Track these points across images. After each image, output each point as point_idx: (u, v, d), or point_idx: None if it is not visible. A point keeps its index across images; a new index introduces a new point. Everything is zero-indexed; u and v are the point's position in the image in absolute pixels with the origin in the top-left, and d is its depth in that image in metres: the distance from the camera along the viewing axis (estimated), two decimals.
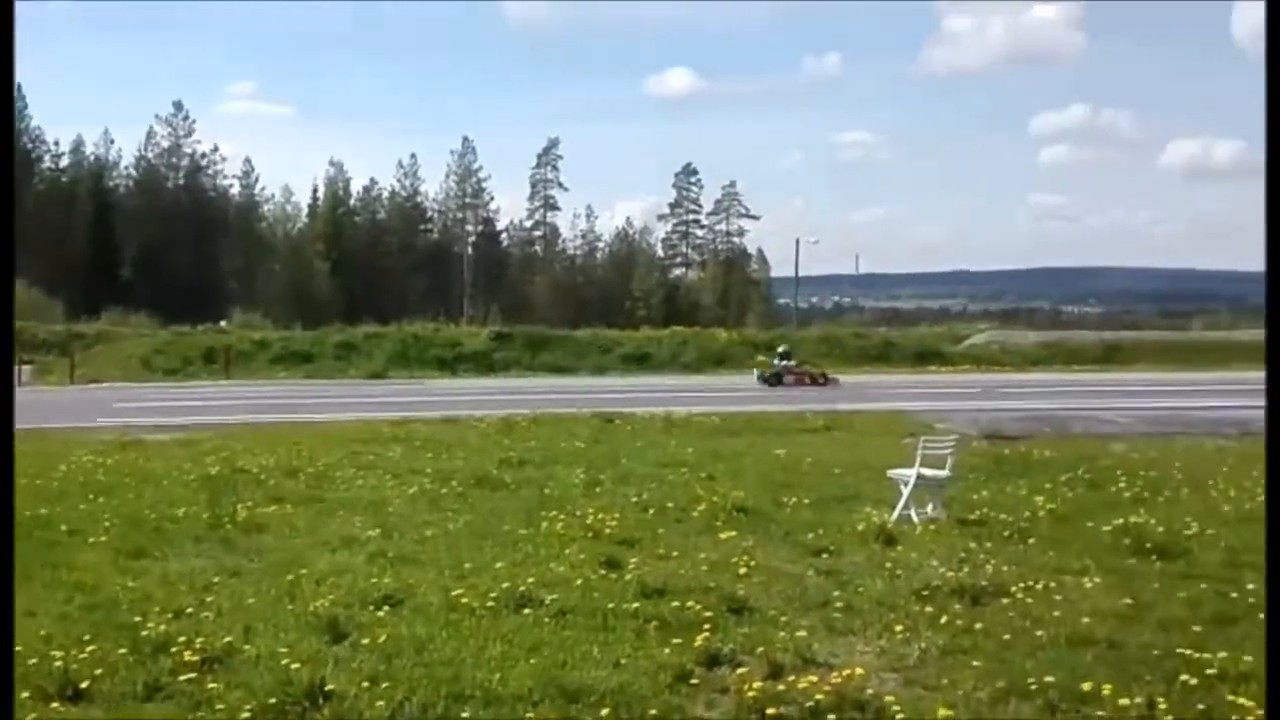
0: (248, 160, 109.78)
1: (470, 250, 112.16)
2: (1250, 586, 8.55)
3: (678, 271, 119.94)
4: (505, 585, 8.70)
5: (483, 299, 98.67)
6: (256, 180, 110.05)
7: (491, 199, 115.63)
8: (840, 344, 48.56)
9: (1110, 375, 39.09)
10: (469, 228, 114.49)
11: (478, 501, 13.15)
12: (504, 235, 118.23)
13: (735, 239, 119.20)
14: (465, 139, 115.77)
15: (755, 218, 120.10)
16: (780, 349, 37.99)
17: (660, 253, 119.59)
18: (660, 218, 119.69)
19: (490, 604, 8.30)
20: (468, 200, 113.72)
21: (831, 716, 6.02)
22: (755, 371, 36.52)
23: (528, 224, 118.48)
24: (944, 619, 7.83)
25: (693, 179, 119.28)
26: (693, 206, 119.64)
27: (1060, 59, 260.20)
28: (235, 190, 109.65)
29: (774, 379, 34.75)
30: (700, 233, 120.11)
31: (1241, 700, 5.96)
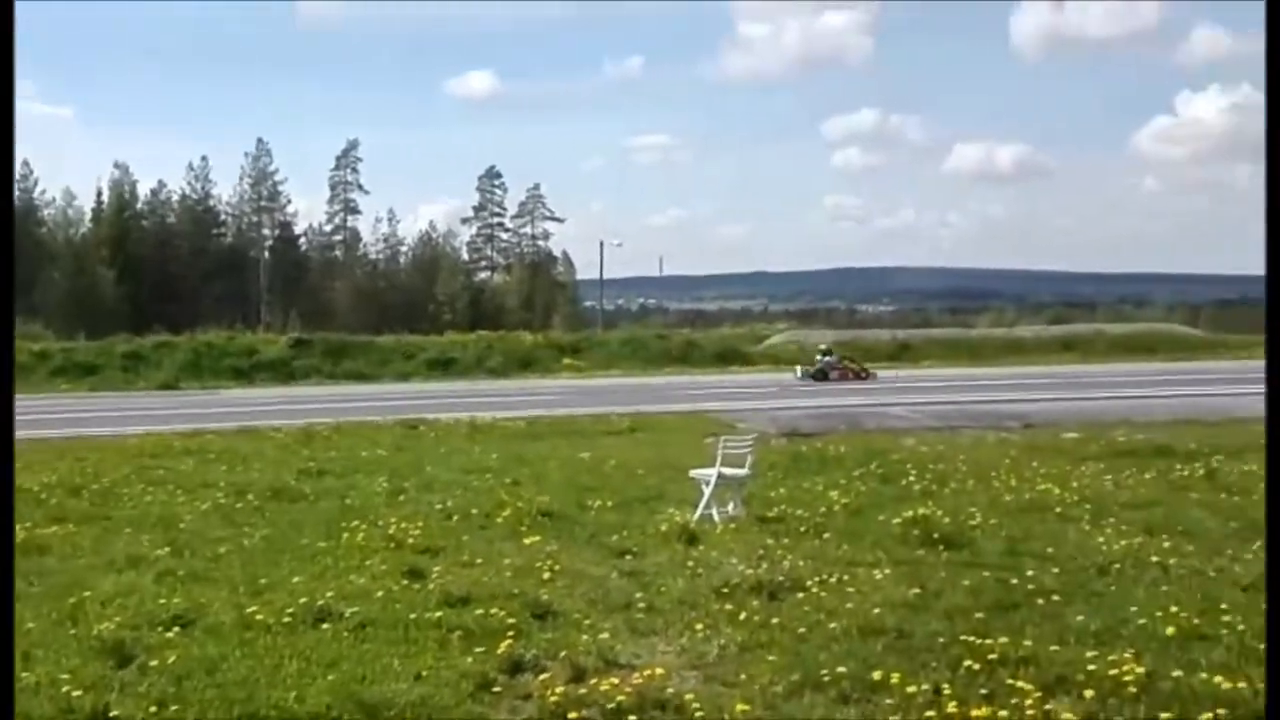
0: (26, 163, 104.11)
1: (267, 255, 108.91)
2: (1029, 573, 9.00)
3: (483, 275, 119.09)
4: (303, 600, 8.49)
5: (281, 305, 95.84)
6: (36, 184, 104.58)
7: (289, 202, 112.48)
8: (644, 346, 49.08)
9: (901, 372, 40.54)
10: (265, 232, 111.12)
11: (275, 514, 12.79)
12: (303, 239, 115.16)
13: (540, 242, 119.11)
14: (259, 140, 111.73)
15: (560, 220, 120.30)
16: (822, 347, 40.76)
17: (465, 256, 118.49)
18: (464, 221, 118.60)
19: (286, 620, 8.08)
20: (263, 204, 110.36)
21: (632, 717, 6.08)
22: (797, 369, 38.44)
23: (327, 228, 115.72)
24: (743, 615, 7.99)
25: (496, 182, 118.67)
26: (497, 209, 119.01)
27: (850, 64, 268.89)
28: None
29: (820, 375, 36.88)
30: (505, 236, 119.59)
31: (1020, 683, 6.24)
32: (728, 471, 12.39)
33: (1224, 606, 7.75)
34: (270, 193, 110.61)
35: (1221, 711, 5.79)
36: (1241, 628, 7.18)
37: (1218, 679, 6.20)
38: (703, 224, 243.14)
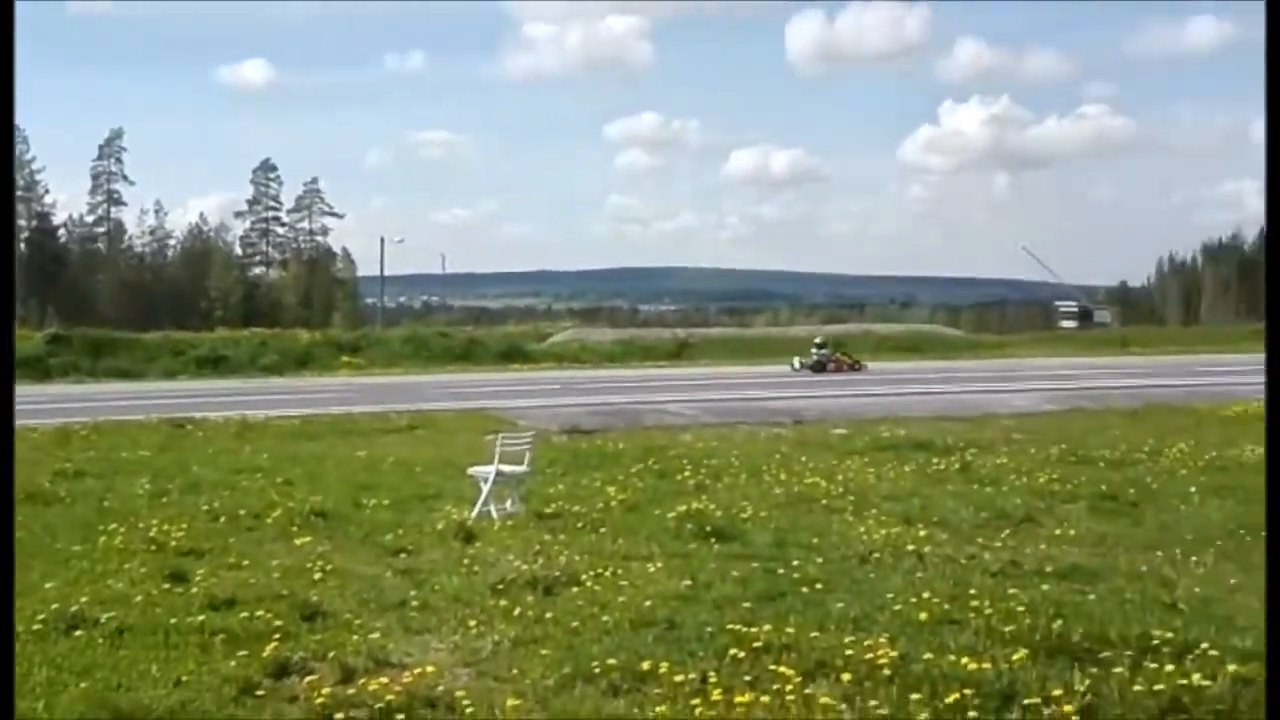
0: None
1: (23, 246, 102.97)
2: (795, 563, 9.31)
3: (258, 270, 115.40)
4: (55, 606, 8.07)
5: (37, 300, 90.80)
6: None
7: (47, 192, 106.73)
8: (426, 344, 48.48)
9: (681, 370, 41.31)
10: (21, 222, 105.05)
11: (27, 519, 12.07)
12: (62, 231, 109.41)
13: (319, 237, 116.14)
14: (15, 127, 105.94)
15: (339, 216, 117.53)
16: (817, 340, 42.25)
17: (239, 251, 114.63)
18: (238, 215, 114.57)
19: (37, 627, 7.67)
20: (19, 193, 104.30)
21: (400, 716, 6.01)
22: (795, 361, 39.92)
23: (89, 219, 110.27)
24: (517, 611, 8.01)
25: (271, 175, 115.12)
26: (272, 203, 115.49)
27: (632, 68, 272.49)
28: None
29: (818, 366, 39.02)
30: (281, 231, 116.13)
31: (782, 669, 6.44)
32: (506, 468, 12.38)
33: (973, 592, 8.18)
34: (27, 181, 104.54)
35: (968, 692, 6.11)
36: (989, 612, 7.59)
37: (965, 660, 6.53)
38: (487, 222, 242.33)
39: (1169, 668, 6.33)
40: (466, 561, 9.71)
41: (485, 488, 12.18)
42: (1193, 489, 12.80)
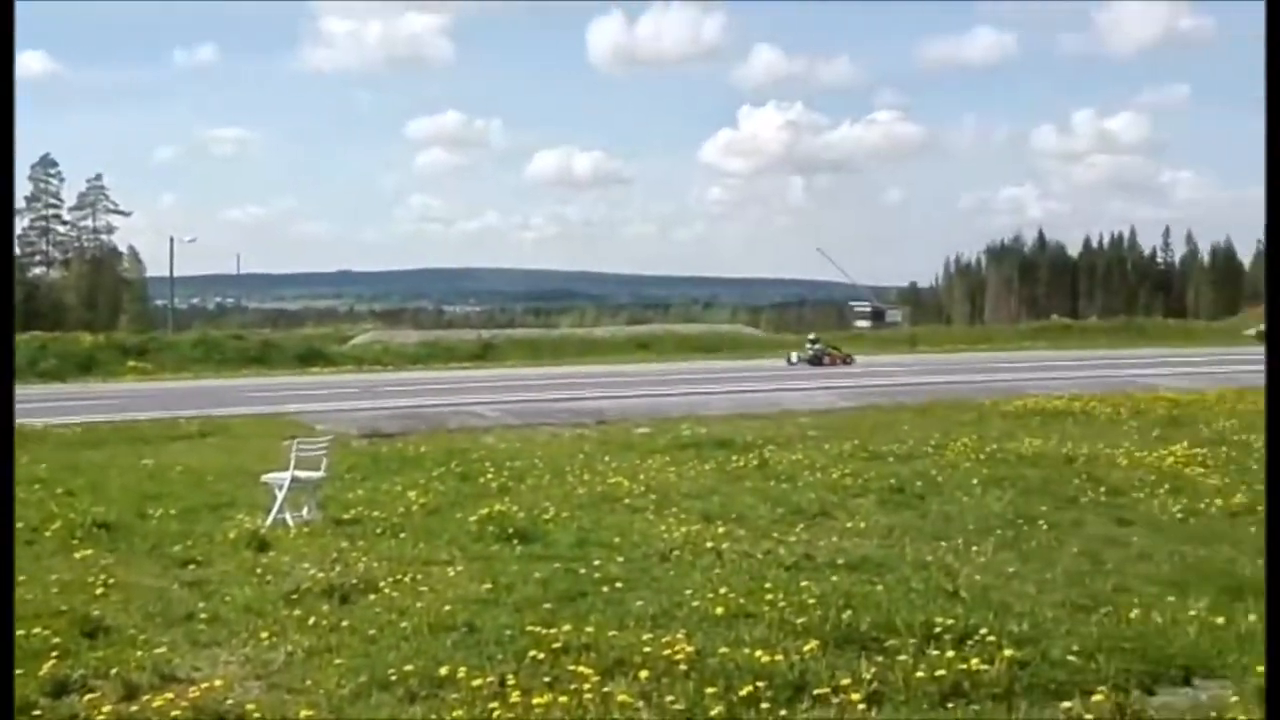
0: None
1: None
2: (596, 563, 9.37)
3: (37, 270, 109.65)
4: None
5: None
6: None
7: None
8: (218, 347, 46.82)
9: (485, 371, 41.00)
10: None
11: None
12: None
13: (104, 236, 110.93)
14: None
15: (125, 214, 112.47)
16: (811, 337, 46.03)
17: (17, 250, 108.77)
18: (15, 212, 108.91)
19: None
20: None
21: None
22: (793, 354, 42.20)
23: None
24: (312, 620, 7.83)
25: (51, 171, 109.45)
26: (53, 201, 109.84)
27: (434, 66, 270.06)
28: None
29: (815, 360, 41.18)
30: (63, 229, 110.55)
31: (581, 669, 6.48)
32: (302, 475, 12.09)
33: (768, 586, 8.38)
34: None
35: (761, 684, 6.26)
36: (782, 605, 7.79)
37: (759, 654, 6.69)
38: (284, 220, 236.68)
39: (950, 654, 6.62)
40: (259, 571, 9.45)
41: (280, 495, 11.87)
42: (975, 481, 13.39)
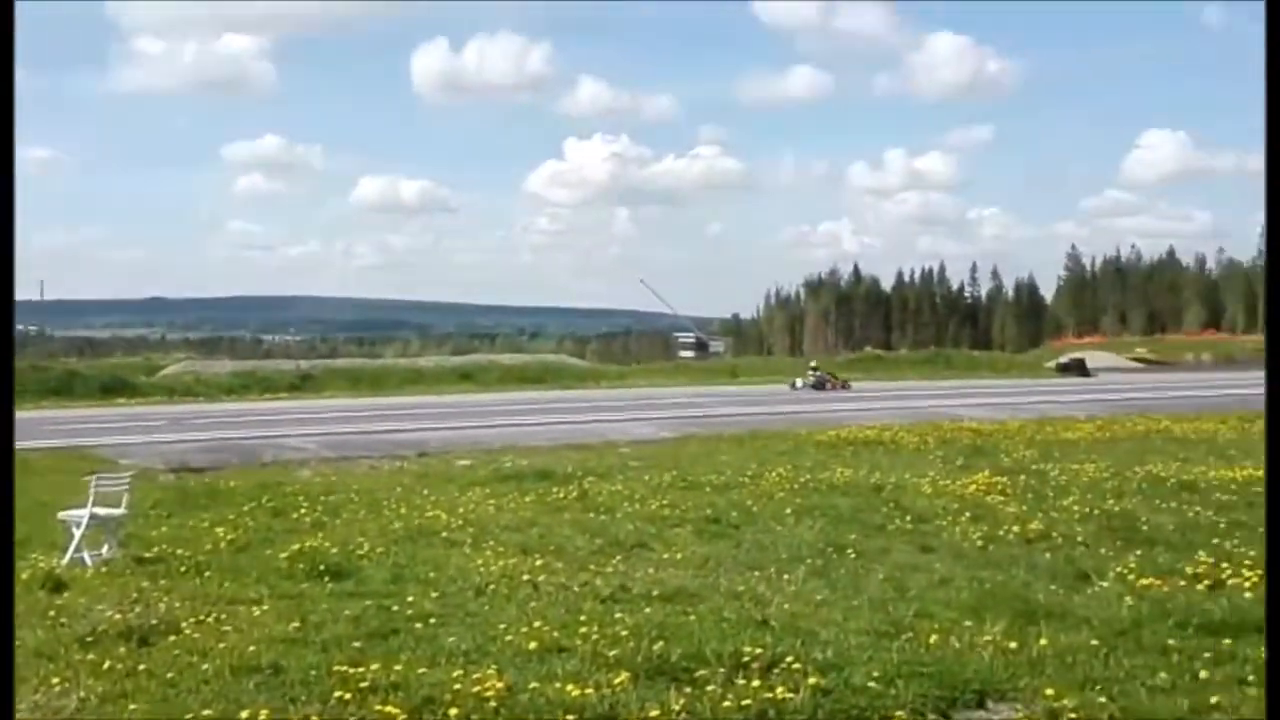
0: None
1: None
2: (410, 599, 9.24)
3: None
4: None
5: None
6: None
7: None
8: (16, 377, 44.70)
9: (304, 403, 40.07)
10: None
11: None
12: None
13: None
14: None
15: None
16: (812, 364, 50.80)
17: None
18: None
19: None
20: None
21: None
22: (797, 380, 45.55)
23: None
24: (108, 664, 7.51)
25: None
26: None
27: (253, 89, 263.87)
28: None
29: (819, 385, 44.48)
30: None
31: (389, 709, 6.38)
32: (102, 511, 11.63)
33: (583, 619, 8.39)
34: None
35: (571, 718, 6.27)
36: (596, 637, 7.81)
37: (570, 688, 6.69)
38: (92, 246, 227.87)
39: (756, 683, 6.73)
40: (53, 613, 9.01)
41: (77, 533, 11.38)
42: (788, 510, 13.68)
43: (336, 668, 7.21)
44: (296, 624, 8.56)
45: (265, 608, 9.13)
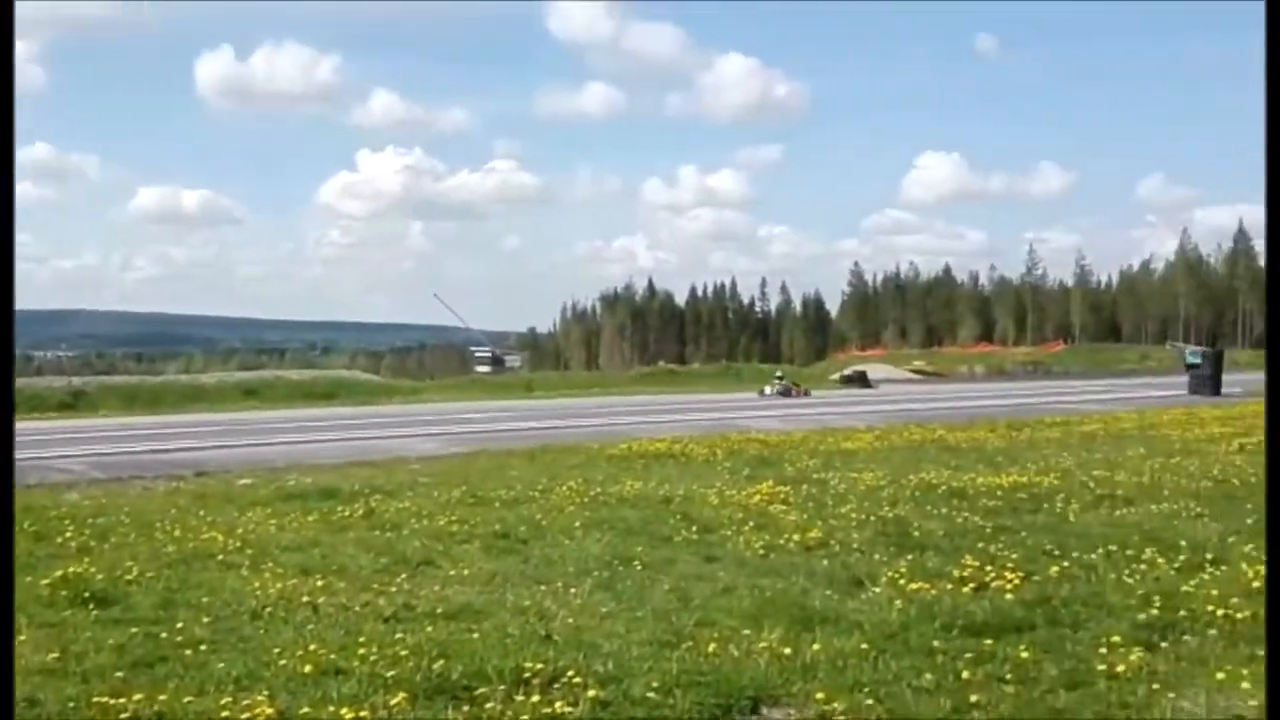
0: None
1: None
2: (180, 625, 8.87)
3: None
4: None
5: None
6: None
7: None
8: None
9: (75, 421, 38.21)
10: None
11: None
12: None
13: None
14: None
15: None
16: (778, 373, 56.46)
17: None
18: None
19: None
20: None
21: None
22: (766, 388, 49.81)
23: None
24: None
25: None
26: None
27: (22, 94, 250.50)
28: None
29: (785, 393, 48.43)
30: None
31: None
32: None
33: (362, 640, 8.21)
34: None
35: None
36: (375, 658, 7.66)
37: (344, 710, 6.55)
38: None
39: (536, 698, 6.72)
40: None
41: None
42: (577, 524, 13.70)
43: (97, 699, 6.88)
44: (56, 654, 8.11)
45: (23, 638, 8.62)
